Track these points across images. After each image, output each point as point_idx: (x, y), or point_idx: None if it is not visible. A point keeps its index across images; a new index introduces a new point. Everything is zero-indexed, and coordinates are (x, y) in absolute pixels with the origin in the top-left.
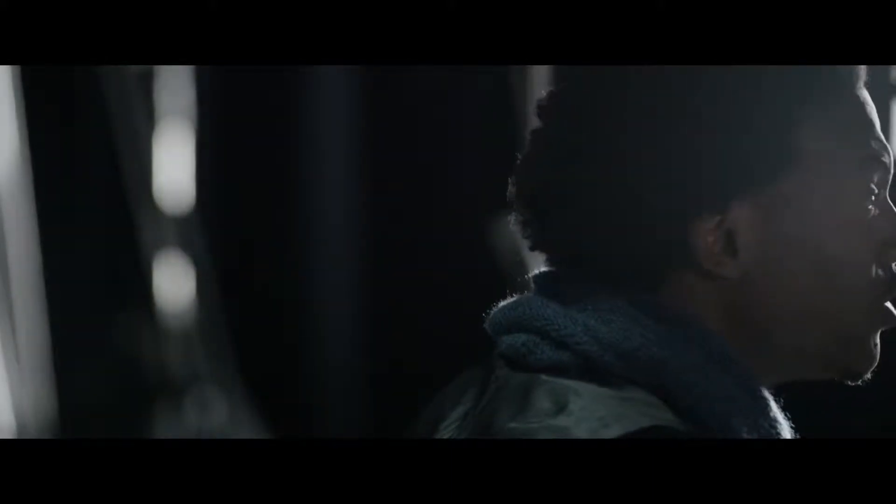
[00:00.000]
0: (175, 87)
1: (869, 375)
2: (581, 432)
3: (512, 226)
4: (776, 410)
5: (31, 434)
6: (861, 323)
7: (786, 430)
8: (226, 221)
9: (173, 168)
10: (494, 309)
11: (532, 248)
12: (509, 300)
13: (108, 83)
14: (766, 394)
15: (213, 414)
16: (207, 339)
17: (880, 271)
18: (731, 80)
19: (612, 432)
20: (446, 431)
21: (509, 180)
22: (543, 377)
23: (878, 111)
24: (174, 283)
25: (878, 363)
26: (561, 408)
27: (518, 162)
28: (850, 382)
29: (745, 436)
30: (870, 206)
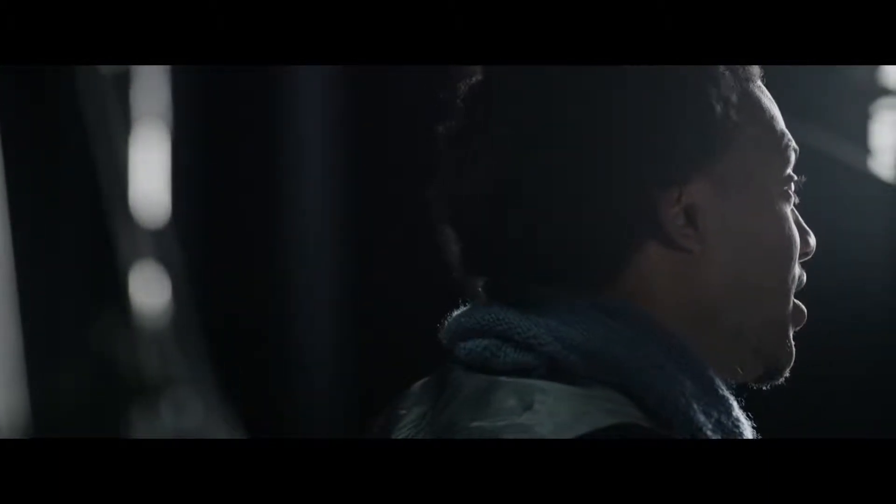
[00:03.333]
0: (151, 89)
1: (786, 375)
2: (546, 430)
3: (449, 244)
4: (738, 410)
5: (4, 434)
6: (787, 312)
7: (748, 430)
8: (203, 223)
9: (149, 170)
10: (448, 318)
11: (470, 269)
12: (463, 308)
13: (81, 84)
14: (728, 393)
15: (189, 415)
16: (183, 340)
17: (796, 266)
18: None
19: (579, 430)
20: (402, 432)
21: (435, 193)
22: (505, 378)
23: (860, 115)
24: (150, 284)
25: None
26: (527, 406)
27: (445, 172)
28: (766, 383)
29: (709, 433)
30: (791, 194)
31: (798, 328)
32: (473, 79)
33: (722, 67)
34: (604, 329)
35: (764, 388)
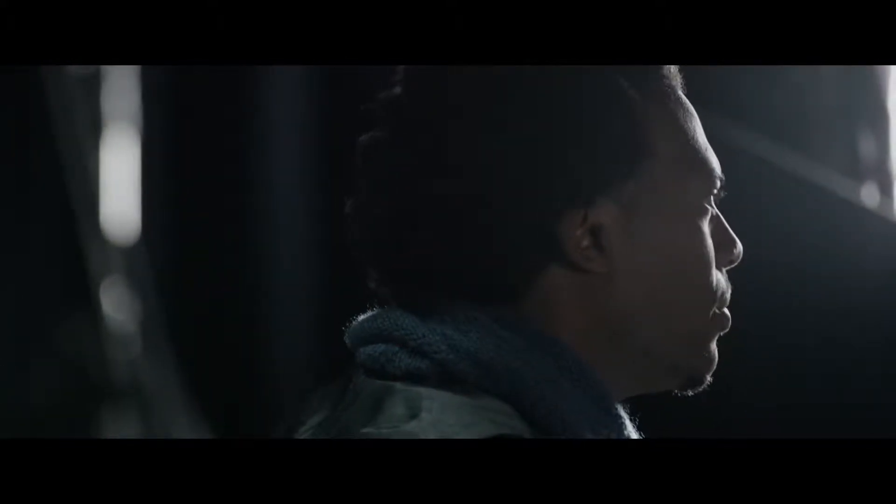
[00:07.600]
0: (121, 90)
1: (708, 382)
2: (430, 438)
3: (356, 251)
4: (631, 429)
5: None
6: (705, 323)
7: None
8: (173, 230)
9: (119, 174)
10: (353, 322)
11: (382, 280)
12: (369, 313)
13: (50, 85)
14: (621, 411)
15: (156, 419)
16: (152, 344)
17: (718, 275)
18: (587, 80)
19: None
20: (302, 437)
21: (347, 203)
22: (399, 385)
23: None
24: (120, 290)
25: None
26: (413, 414)
27: (359, 184)
28: (690, 390)
29: None
30: (709, 208)
31: (722, 333)
32: (390, 90)
33: (633, 90)
34: (497, 340)
35: (689, 394)
